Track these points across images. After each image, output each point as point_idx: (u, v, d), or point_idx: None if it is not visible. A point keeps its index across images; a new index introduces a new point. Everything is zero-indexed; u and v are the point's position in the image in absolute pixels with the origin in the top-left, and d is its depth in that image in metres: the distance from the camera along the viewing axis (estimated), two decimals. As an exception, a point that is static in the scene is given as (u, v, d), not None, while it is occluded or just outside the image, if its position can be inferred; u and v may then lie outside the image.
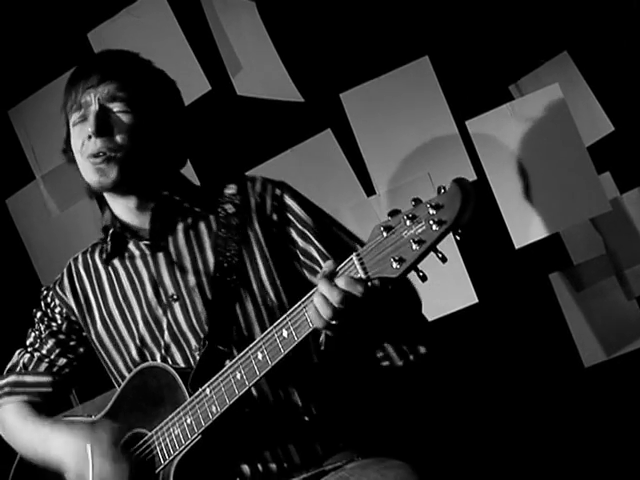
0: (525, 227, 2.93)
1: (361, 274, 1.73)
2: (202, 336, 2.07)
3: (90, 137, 2.10)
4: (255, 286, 2.09)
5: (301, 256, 2.11)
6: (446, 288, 2.80)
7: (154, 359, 2.12)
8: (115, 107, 2.10)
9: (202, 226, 2.15)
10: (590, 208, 2.96)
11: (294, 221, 2.13)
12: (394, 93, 3.01)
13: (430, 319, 2.86)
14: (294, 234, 2.12)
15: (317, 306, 1.77)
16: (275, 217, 2.13)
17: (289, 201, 2.15)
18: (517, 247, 2.92)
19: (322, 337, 2.04)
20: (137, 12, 3.11)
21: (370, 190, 3.02)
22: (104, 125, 2.09)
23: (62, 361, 2.26)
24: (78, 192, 3.16)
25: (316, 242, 2.10)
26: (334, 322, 1.77)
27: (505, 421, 3.07)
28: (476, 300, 2.92)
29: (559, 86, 2.95)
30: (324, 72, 3.09)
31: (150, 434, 2.02)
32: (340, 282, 1.75)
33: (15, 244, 3.31)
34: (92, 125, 2.08)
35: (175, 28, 3.08)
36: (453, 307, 2.92)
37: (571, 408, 3.06)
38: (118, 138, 2.09)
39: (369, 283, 1.74)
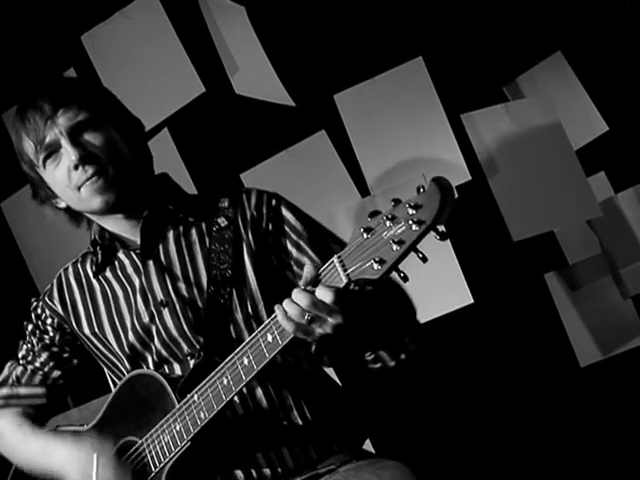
0: (520, 224, 2.94)
1: (342, 276, 1.73)
2: (195, 343, 2.06)
3: (77, 167, 2.06)
4: (247, 297, 2.08)
5: (294, 266, 2.11)
6: (442, 289, 2.80)
7: (147, 366, 2.10)
8: (83, 130, 2.08)
9: (194, 235, 2.14)
10: (581, 212, 2.98)
11: (289, 232, 2.13)
12: (388, 94, 3.01)
13: (425, 320, 2.89)
14: (289, 245, 2.12)
15: (286, 309, 1.78)
16: (271, 227, 2.14)
17: (284, 212, 2.15)
18: (515, 240, 2.94)
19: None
20: (131, 14, 3.11)
21: (364, 191, 3.02)
22: (85, 151, 2.06)
23: (56, 373, 2.24)
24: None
25: (310, 253, 2.10)
26: (304, 324, 1.77)
27: (501, 420, 3.07)
28: (472, 300, 2.91)
29: (551, 93, 2.97)
30: (318, 74, 3.09)
31: (140, 442, 2.01)
32: (317, 290, 1.75)
33: (10, 247, 3.31)
34: (74, 155, 2.05)
35: (169, 30, 3.07)
36: (449, 307, 2.92)
37: (567, 407, 3.06)
38: (102, 156, 2.07)
39: (350, 286, 1.74)
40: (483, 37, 3.08)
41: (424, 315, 2.87)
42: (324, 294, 1.74)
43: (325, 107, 3.04)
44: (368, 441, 2.52)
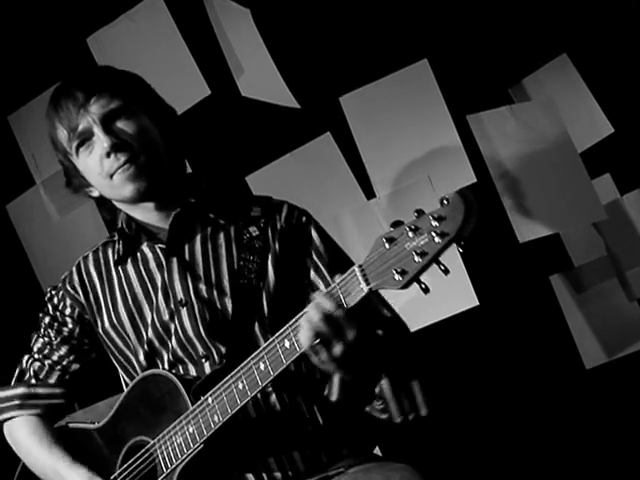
0: (526, 226, 2.94)
1: (362, 285, 1.73)
2: (210, 346, 2.06)
3: (109, 155, 2.08)
4: (267, 307, 2.10)
5: (308, 287, 2.14)
6: (447, 291, 2.79)
7: (162, 364, 2.11)
8: (116, 117, 2.09)
9: (221, 238, 2.15)
10: (586, 215, 2.98)
11: (312, 252, 2.16)
12: (393, 96, 3.01)
13: (431, 322, 2.89)
14: (309, 264, 2.15)
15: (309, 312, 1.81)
16: (296, 242, 2.16)
17: (312, 232, 2.18)
18: (520, 242, 2.93)
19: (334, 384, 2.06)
20: (136, 17, 3.11)
21: (370, 193, 3.02)
22: (117, 139, 2.07)
23: (75, 367, 2.22)
24: (78, 197, 3.21)
25: (327, 277, 2.13)
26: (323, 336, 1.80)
27: (507, 423, 3.07)
28: (477, 303, 2.91)
29: (556, 95, 2.97)
30: (323, 76, 3.09)
31: (152, 442, 2.01)
32: (325, 302, 1.79)
33: (16, 249, 3.31)
34: (107, 142, 2.06)
35: (174, 33, 3.08)
36: (454, 310, 2.92)
37: (572, 410, 3.05)
38: (134, 144, 2.08)
39: (370, 295, 1.76)
40: (488, 39, 3.07)
41: (429, 317, 2.89)
42: (327, 305, 1.79)
43: (330, 109, 3.04)
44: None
